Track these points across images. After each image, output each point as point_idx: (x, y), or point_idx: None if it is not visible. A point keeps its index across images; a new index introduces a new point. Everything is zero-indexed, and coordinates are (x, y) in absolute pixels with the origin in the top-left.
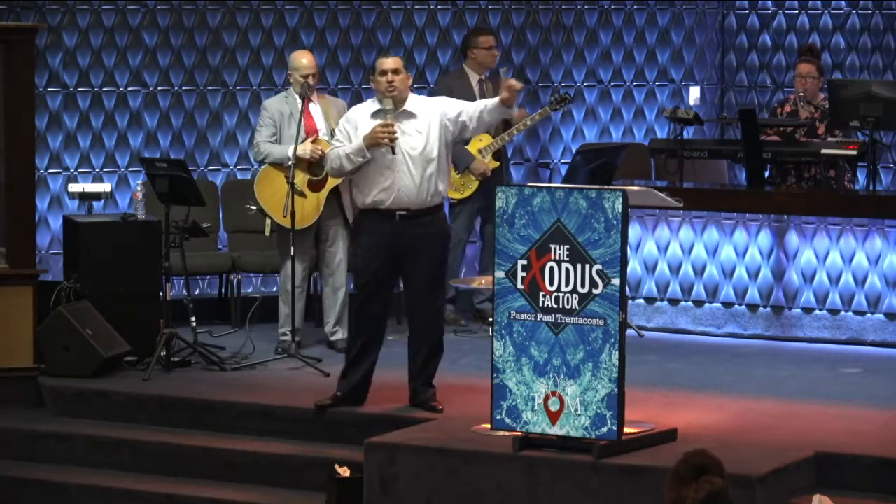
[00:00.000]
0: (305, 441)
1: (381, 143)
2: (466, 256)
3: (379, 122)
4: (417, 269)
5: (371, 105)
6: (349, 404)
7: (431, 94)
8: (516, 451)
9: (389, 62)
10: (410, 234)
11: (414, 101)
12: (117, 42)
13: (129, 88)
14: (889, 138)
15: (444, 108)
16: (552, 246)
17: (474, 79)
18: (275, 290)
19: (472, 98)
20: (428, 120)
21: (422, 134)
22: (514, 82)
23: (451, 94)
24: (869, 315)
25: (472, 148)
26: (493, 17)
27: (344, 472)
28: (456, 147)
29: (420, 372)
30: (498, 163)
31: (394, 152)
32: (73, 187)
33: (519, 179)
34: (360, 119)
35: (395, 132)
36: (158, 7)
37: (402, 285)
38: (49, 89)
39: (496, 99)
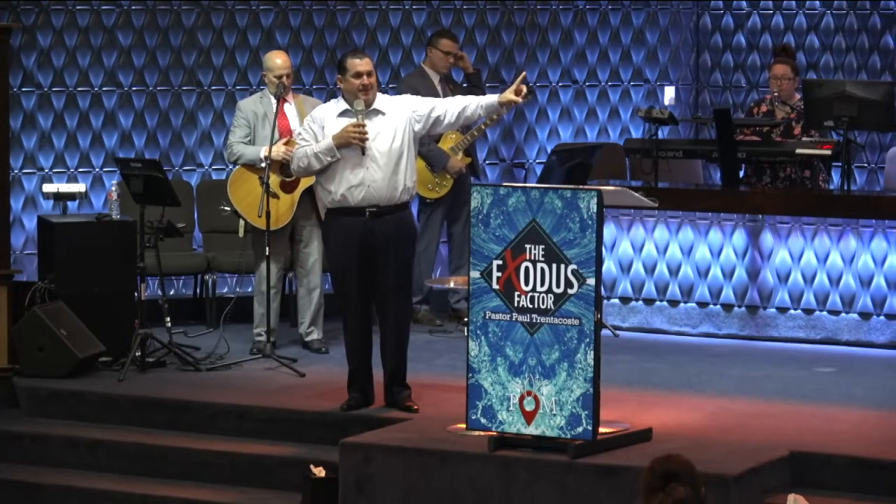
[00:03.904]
0: (280, 441)
1: (351, 144)
2: (440, 256)
3: (349, 121)
4: (387, 267)
5: (337, 104)
6: (364, 406)
7: (396, 94)
8: (492, 451)
9: (364, 64)
10: (380, 232)
11: (382, 100)
12: (92, 42)
13: (104, 88)
14: (863, 138)
15: (413, 106)
16: (527, 246)
17: (435, 78)
18: (250, 290)
19: (436, 97)
20: (396, 117)
21: (390, 131)
22: (524, 89)
23: (416, 94)
24: (843, 315)
25: (444, 146)
26: (468, 16)
27: (319, 472)
28: (431, 147)
29: (393, 370)
30: (469, 159)
31: (364, 153)
32: (47, 187)
33: (494, 179)
34: (328, 118)
35: (366, 133)
36: (133, 7)
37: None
38: (23, 89)
39: (493, 98)
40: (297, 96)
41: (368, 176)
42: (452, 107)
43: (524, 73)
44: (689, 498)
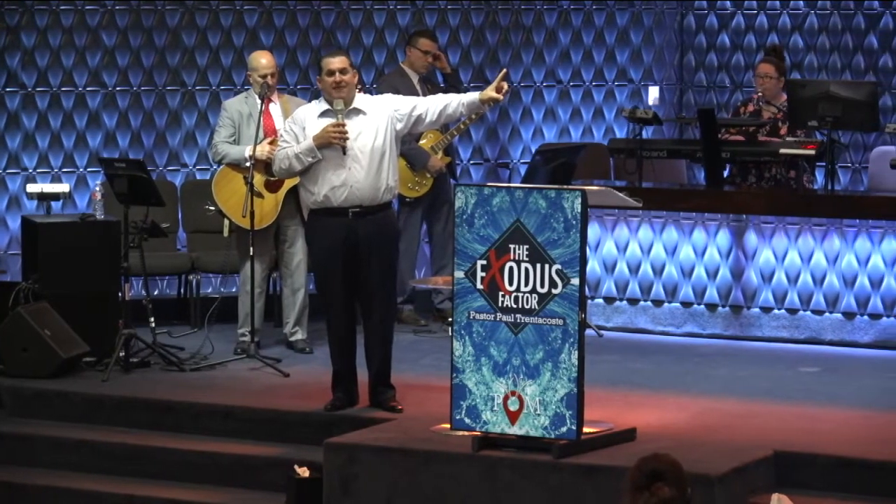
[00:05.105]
0: (265, 441)
1: (332, 144)
2: (423, 255)
3: (330, 121)
4: (371, 268)
5: (318, 105)
6: (348, 406)
7: (377, 94)
8: (476, 451)
9: (336, 62)
10: (363, 232)
11: (362, 99)
12: (76, 42)
13: (88, 89)
14: (847, 138)
15: (395, 105)
16: (511, 246)
17: (415, 78)
18: (234, 290)
19: (416, 97)
20: (377, 117)
21: (372, 131)
22: (505, 86)
23: (397, 93)
24: (827, 314)
25: (423, 145)
26: (453, 16)
27: (303, 472)
28: (411, 146)
29: (377, 370)
30: (449, 158)
31: (345, 152)
32: (31, 188)
33: (478, 179)
34: (308, 119)
35: (346, 132)
36: (117, 7)
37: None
38: (7, 89)
39: (474, 95)
40: (281, 96)
41: (351, 176)
42: (434, 105)
43: (505, 70)
44: (674, 498)
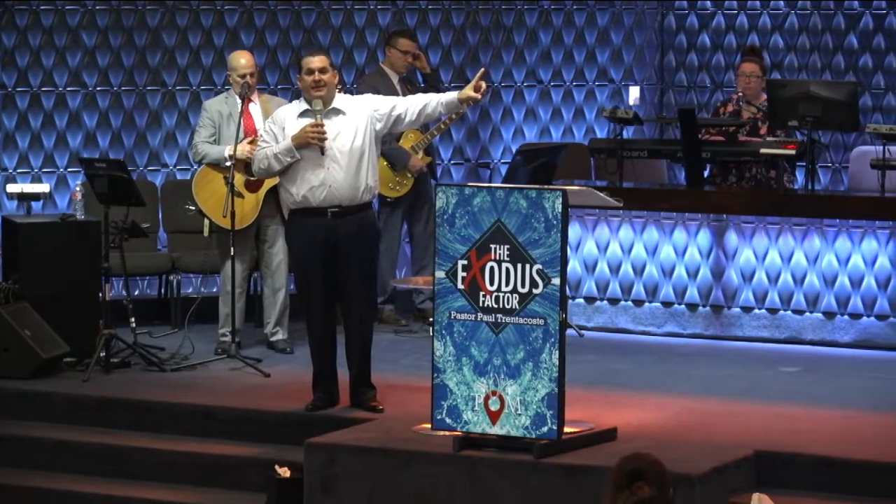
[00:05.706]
0: (245, 441)
1: (310, 144)
2: (404, 256)
3: (309, 121)
4: (351, 268)
5: (298, 105)
6: (329, 406)
7: (356, 94)
8: (457, 451)
9: (316, 61)
10: (343, 232)
11: (342, 99)
12: (56, 42)
13: (68, 89)
14: (827, 138)
15: (374, 105)
16: (492, 246)
17: (395, 78)
18: (215, 290)
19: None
20: (356, 117)
21: (351, 131)
22: (484, 85)
23: (377, 94)
24: (807, 314)
25: (404, 145)
26: (434, 16)
27: (284, 472)
28: (392, 146)
29: (358, 370)
30: (430, 158)
31: (323, 152)
32: (11, 188)
33: (459, 179)
34: (288, 119)
35: (324, 132)
36: (97, 7)
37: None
38: None
39: (453, 95)
40: (261, 96)
41: (329, 176)
42: (413, 105)
43: (483, 70)
44: (655, 498)
